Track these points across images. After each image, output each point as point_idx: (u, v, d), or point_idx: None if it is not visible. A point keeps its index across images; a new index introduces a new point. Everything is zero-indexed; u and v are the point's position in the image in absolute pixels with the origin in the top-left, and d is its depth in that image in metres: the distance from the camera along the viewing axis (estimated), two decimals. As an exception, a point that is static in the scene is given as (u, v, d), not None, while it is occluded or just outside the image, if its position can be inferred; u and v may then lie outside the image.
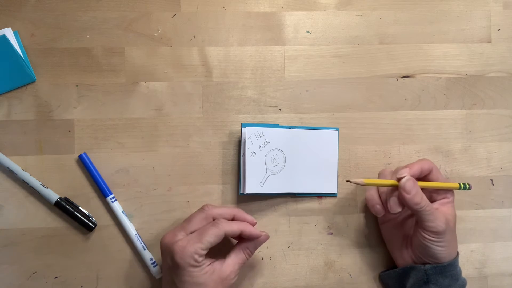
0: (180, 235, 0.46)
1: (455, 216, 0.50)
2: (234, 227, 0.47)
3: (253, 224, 0.49)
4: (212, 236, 0.45)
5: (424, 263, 0.50)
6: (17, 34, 0.53)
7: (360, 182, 0.48)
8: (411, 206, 0.47)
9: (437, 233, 0.47)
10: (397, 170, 0.50)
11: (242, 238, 0.49)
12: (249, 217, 0.50)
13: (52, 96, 0.53)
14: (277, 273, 0.55)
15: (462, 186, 0.51)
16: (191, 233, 0.47)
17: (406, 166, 0.49)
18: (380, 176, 0.52)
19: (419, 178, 0.50)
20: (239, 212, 0.50)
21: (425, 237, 0.48)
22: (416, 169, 0.49)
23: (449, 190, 0.51)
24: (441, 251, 0.48)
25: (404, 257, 0.52)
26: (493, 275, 0.57)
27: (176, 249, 0.45)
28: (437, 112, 0.57)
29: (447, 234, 0.48)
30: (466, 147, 0.57)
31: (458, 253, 0.51)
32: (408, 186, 0.47)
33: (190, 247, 0.45)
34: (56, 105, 0.53)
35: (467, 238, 0.57)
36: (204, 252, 0.45)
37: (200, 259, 0.45)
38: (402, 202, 0.48)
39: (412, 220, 0.52)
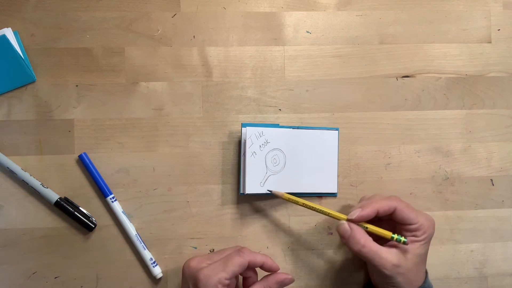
0: (205, 263, 0.47)
1: (420, 255, 0.48)
2: (257, 258, 0.47)
3: (276, 270, 0.49)
4: (236, 265, 0.45)
5: None
6: (17, 34, 0.53)
7: (280, 194, 0.50)
8: (350, 251, 0.48)
9: (385, 277, 0.47)
10: (369, 199, 0.51)
11: (267, 275, 0.49)
12: (274, 265, 0.49)
13: (52, 96, 0.53)
14: (277, 273, 0.55)
15: (395, 238, 0.47)
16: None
17: (360, 207, 0.48)
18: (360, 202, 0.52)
19: (385, 215, 0.49)
20: (268, 259, 0.49)
21: (377, 277, 0.49)
22: (368, 212, 0.48)
23: (420, 229, 0.48)
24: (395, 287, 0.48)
25: (375, 281, 0.51)
26: (493, 275, 0.57)
27: (200, 277, 0.45)
28: (437, 112, 0.57)
29: (397, 277, 0.47)
30: (466, 147, 0.57)
31: (426, 276, 0.50)
32: (340, 231, 0.48)
33: (215, 276, 0.45)
34: (56, 105, 0.53)
35: (467, 238, 0.57)
36: (228, 281, 0.45)
37: None
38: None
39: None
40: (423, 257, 0.49)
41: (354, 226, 0.48)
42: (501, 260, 0.57)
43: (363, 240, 0.47)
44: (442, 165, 0.57)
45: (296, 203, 0.50)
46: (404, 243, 0.47)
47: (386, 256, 0.47)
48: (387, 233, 0.48)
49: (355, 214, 0.48)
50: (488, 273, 0.57)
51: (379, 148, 0.56)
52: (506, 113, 0.58)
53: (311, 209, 0.50)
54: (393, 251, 0.48)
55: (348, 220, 0.48)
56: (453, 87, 0.58)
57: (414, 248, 0.48)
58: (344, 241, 0.48)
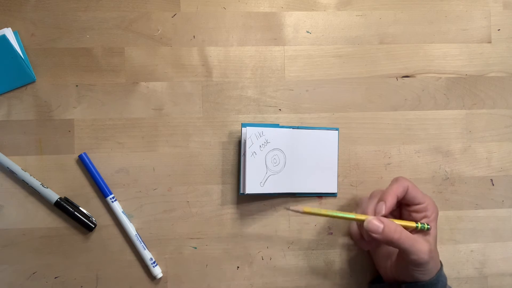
0: None
1: (435, 235, 0.48)
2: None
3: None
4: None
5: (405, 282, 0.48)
6: (17, 34, 0.53)
7: (300, 210, 0.46)
8: (386, 243, 0.45)
9: (420, 265, 0.45)
10: (372, 196, 0.49)
11: None
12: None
13: (52, 96, 0.53)
14: (277, 273, 0.55)
15: (420, 226, 0.47)
16: None
17: (381, 199, 0.47)
18: (360, 204, 0.51)
19: (401, 198, 0.48)
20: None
21: (407, 267, 0.46)
22: (391, 202, 0.46)
23: (428, 208, 0.48)
24: (423, 276, 0.47)
25: (387, 272, 0.51)
26: (493, 275, 0.57)
27: None
28: (437, 112, 0.57)
29: (430, 263, 0.45)
30: (466, 147, 0.57)
31: (441, 266, 0.49)
32: (372, 227, 0.45)
33: None
34: (56, 105, 0.53)
35: (467, 238, 0.57)
36: None
37: None
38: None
39: None
40: (436, 238, 0.48)
41: (383, 218, 0.46)
42: (501, 260, 0.57)
43: (399, 227, 0.45)
44: (442, 165, 0.57)
45: (318, 214, 0.48)
46: (428, 229, 0.47)
47: (421, 241, 0.45)
48: (411, 224, 0.47)
49: (382, 209, 0.46)
50: (488, 273, 0.57)
51: (379, 148, 0.56)
52: (506, 113, 0.58)
53: (333, 217, 0.48)
54: (421, 237, 0.46)
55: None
56: (453, 87, 0.58)
57: (432, 229, 0.47)
58: (378, 236, 0.45)
